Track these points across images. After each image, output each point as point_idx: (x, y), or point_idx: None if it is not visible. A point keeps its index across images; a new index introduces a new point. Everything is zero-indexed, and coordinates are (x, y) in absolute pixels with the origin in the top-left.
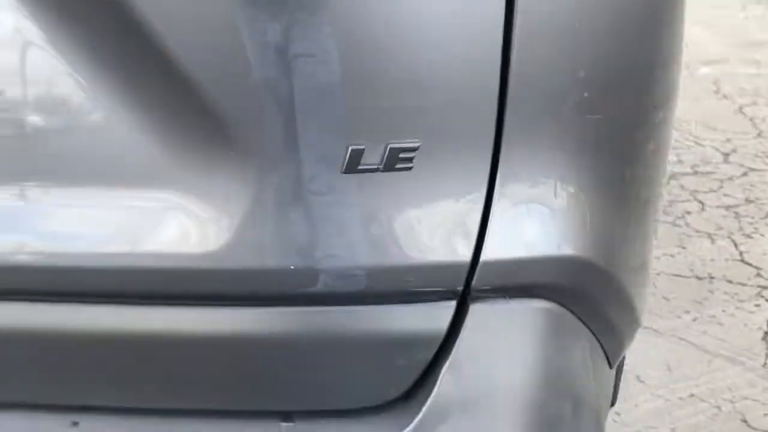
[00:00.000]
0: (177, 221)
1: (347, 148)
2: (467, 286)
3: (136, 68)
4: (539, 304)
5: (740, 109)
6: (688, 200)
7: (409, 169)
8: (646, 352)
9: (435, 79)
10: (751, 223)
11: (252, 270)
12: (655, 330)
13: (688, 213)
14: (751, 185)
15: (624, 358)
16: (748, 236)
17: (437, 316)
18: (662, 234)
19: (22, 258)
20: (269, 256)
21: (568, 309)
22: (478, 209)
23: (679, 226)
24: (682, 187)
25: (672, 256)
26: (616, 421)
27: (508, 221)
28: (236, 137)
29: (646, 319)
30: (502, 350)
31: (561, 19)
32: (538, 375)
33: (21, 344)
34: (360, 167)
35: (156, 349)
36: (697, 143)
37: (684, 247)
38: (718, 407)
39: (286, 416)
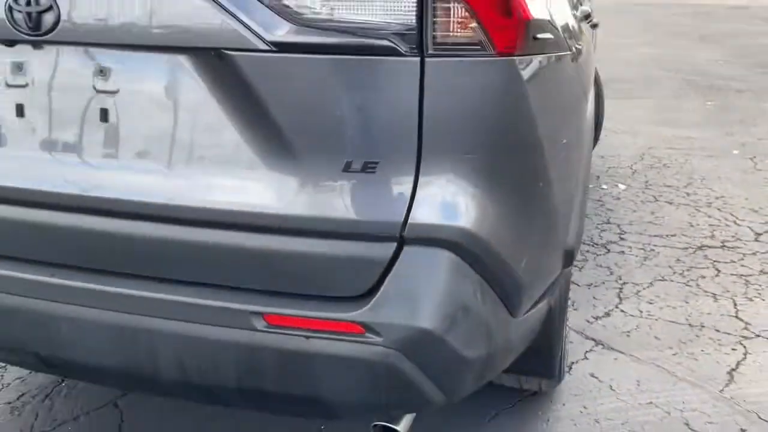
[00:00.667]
0: (263, 189)
1: (344, 160)
2: (401, 235)
3: (260, 126)
4: (443, 253)
5: None
6: (707, 267)
7: (374, 172)
8: (624, 371)
9: (385, 138)
10: (758, 290)
11: (294, 216)
12: (637, 357)
13: (702, 277)
14: None
15: (561, 347)
16: (750, 299)
17: (386, 249)
18: (671, 291)
19: (196, 205)
20: (305, 209)
21: (462, 259)
22: (407, 196)
23: (690, 286)
24: (705, 257)
25: (674, 308)
26: (582, 412)
27: (424, 203)
28: (299, 156)
29: (631, 349)
30: (419, 273)
31: (452, 106)
32: (438, 289)
33: (176, 253)
34: (350, 170)
35: (242, 255)
36: (735, 223)
37: (687, 302)
38: (668, 413)
39: (308, 297)
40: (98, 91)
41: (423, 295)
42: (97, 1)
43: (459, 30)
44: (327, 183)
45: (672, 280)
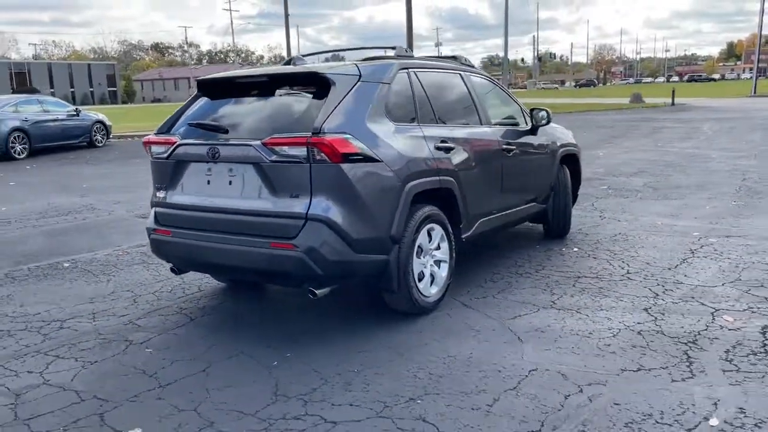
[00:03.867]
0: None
1: (291, 194)
2: (306, 217)
3: (270, 185)
4: (321, 224)
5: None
6: (568, 285)
7: (298, 197)
8: (464, 314)
9: (301, 187)
10: (581, 295)
11: (278, 211)
12: (476, 310)
13: (560, 287)
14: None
15: (399, 281)
16: (571, 296)
17: (301, 221)
18: (532, 292)
19: (249, 208)
20: (281, 209)
21: (327, 227)
22: (307, 204)
23: (545, 291)
24: (576, 280)
25: (524, 296)
26: (427, 317)
27: (314, 206)
28: (278, 192)
29: (477, 307)
30: (312, 230)
31: (321, 178)
32: (318, 235)
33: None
34: (292, 196)
35: (262, 223)
36: (621, 269)
37: (534, 296)
38: (467, 324)
39: (280, 237)
40: (230, 176)
41: (312, 236)
42: (230, 152)
43: (320, 156)
44: (287, 201)
45: (538, 288)
